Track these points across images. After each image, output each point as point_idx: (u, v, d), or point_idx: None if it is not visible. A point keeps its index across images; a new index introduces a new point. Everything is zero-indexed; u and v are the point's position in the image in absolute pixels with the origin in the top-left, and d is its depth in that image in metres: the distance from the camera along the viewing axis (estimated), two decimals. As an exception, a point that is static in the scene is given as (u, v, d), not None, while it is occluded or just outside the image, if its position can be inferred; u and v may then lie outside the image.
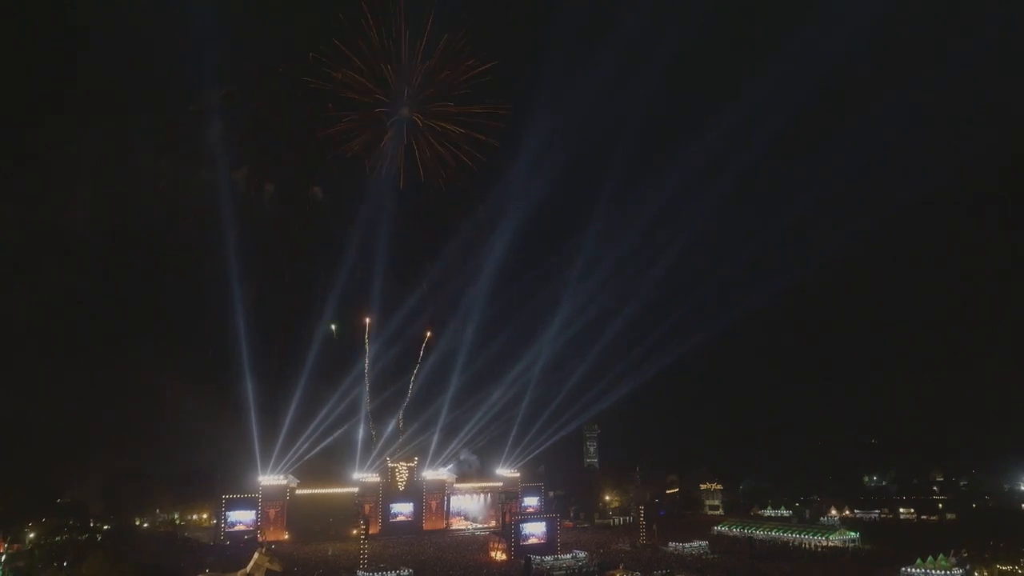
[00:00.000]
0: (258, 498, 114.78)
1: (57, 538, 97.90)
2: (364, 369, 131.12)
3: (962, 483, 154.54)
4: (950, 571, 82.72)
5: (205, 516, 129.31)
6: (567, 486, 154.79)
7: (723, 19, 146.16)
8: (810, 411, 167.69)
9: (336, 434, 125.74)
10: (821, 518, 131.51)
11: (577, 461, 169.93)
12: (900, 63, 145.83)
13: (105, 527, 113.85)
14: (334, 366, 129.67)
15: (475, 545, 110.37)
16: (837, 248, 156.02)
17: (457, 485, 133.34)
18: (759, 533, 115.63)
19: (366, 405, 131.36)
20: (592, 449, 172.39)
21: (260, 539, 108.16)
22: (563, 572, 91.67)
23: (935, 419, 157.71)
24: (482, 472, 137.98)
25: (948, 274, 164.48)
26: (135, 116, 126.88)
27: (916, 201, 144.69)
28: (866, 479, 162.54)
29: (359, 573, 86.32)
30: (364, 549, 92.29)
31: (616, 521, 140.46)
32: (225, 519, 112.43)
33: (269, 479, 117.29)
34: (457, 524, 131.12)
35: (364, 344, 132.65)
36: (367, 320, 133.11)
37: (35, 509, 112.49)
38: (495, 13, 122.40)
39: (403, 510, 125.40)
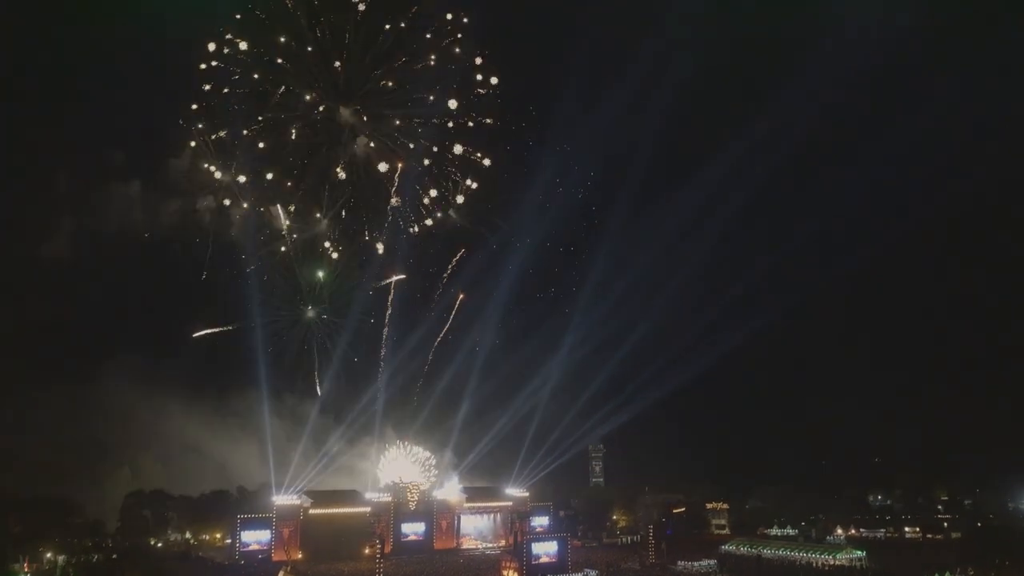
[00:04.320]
0: (272, 518, 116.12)
1: (75, 559, 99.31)
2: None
3: (967, 502, 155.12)
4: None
5: (219, 536, 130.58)
6: (576, 505, 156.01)
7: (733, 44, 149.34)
8: (814, 430, 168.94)
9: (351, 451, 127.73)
10: (827, 537, 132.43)
11: (585, 480, 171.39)
12: (917, 81, 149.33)
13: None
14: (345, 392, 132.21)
15: (486, 564, 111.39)
16: (839, 268, 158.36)
17: (467, 504, 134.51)
18: (767, 552, 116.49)
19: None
20: (598, 468, 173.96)
21: (280, 559, 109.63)
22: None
23: (939, 437, 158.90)
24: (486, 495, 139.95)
25: (951, 291, 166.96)
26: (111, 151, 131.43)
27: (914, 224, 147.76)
28: (871, 498, 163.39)
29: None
30: (380, 568, 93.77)
31: (624, 540, 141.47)
32: (239, 539, 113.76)
33: (283, 499, 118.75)
34: (468, 544, 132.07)
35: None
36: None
37: (50, 529, 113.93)
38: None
39: (415, 530, 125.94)
